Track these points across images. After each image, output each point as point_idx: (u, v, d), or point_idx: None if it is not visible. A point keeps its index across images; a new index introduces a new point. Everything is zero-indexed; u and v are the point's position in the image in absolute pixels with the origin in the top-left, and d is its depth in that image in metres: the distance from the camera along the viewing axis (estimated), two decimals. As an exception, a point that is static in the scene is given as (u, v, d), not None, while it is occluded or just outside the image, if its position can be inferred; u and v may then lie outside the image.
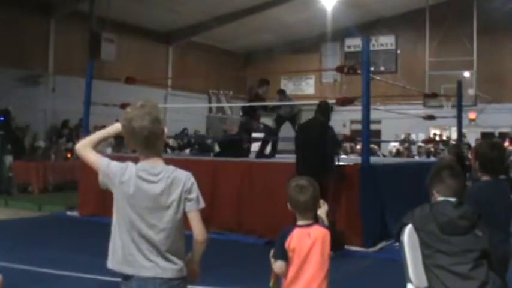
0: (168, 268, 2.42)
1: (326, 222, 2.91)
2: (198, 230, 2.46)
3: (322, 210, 2.91)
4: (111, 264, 2.49)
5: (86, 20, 16.72)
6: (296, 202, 2.86)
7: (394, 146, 18.19)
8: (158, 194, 2.41)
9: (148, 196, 2.41)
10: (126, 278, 2.46)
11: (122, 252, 2.44)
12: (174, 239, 2.44)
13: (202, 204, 2.47)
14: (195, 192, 2.46)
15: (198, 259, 2.55)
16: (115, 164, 2.48)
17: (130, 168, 2.46)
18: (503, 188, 3.39)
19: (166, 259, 2.42)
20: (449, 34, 20.34)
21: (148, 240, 2.41)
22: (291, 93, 22.34)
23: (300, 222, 2.86)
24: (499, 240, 3.08)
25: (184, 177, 2.46)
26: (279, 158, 9.76)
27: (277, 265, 2.80)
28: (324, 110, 7.01)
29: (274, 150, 10.34)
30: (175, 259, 2.44)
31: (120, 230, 2.44)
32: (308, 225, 2.84)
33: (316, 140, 6.74)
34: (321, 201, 2.93)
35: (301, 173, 6.47)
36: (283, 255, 2.79)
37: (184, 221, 2.51)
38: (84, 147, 2.51)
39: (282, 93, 10.36)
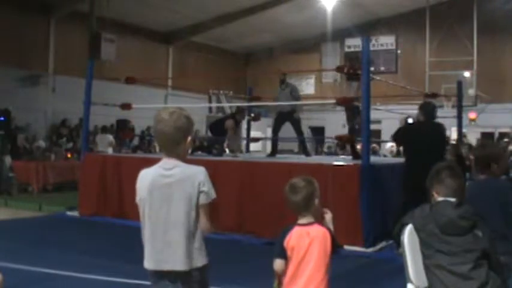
0: (185, 259, 2.53)
1: (332, 228, 2.89)
2: (205, 222, 2.58)
3: (328, 219, 2.89)
4: (146, 264, 2.65)
5: (86, 20, 16.73)
6: (288, 202, 2.88)
7: (393, 145, 18.16)
8: (171, 186, 2.55)
9: (162, 189, 2.55)
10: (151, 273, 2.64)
11: (148, 251, 2.62)
12: (188, 230, 2.54)
13: (213, 195, 2.59)
14: (207, 186, 2.57)
15: None
16: (138, 180, 2.67)
17: (149, 169, 2.65)
18: (488, 186, 3.37)
19: (182, 250, 2.53)
20: (449, 34, 20.34)
21: (163, 233, 2.55)
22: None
23: (300, 221, 2.86)
24: None
25: (197, 171, 2.58)
26: (280, 158, 9.76)
27: (277, 263, 2.80)
28: (430, 112, 6.84)
29: (275, 150, 10.30)
30: (189, 250, 2.54)
31: (144, 230, 2.63)
32: (308, 224, 2.84)
33: (439, 148, 6.63)
34: (325, 209, 2.92)
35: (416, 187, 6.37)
36: (282, 253, 2.79)
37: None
38: None
39: (282, 82, 9.90)
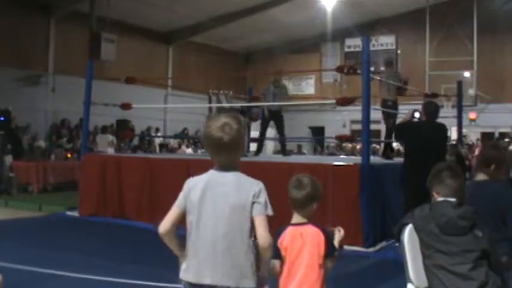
0: (231, 275, 2.35)
1: (336, 245, 2.88)
2: (262, 235, 2.36)
3: (337, 238, 2.87)
4: (184, 275, 2.47)
5: (86, 20, 16.71)
6: (289, 197, 2.86)
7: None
8: (225, 195, 2.40)
9: (215, 197, 2.41)
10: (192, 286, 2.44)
11: (189, 261, 2.43)
12: (239, 244, 2.37)
13: (270, 211, 2.42)
14: (263, 198, 2.41)
15: (264, 268, 2.46)
16: (187, 186, 2.50)
17: (201, 177, 2.50)
18: (484, 188, 3.34)
19: (229, 265, 2.36)
20: (449, 34, 20.34)
21: (211, 244, 2.37)
22: (290, 93, 22.52)
23: (293, 221, 2.85)
24: None
25: (253, 183, 2.44)
26: (279, 158, 9.75)
27: (271, 264, 2.80)
28: (433, 112, 6.79)
29: (260, 150, 10.43)
30: (237, 266, 2.36)
31: (190, 238, 2.44)
32: (301, 224, 2.82)
33: (440, 149, 6.62)
34: (339, 227, 2.90)
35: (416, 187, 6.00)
36: (277, 253, 2.78)
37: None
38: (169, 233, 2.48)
39: (278, 82, 10.22)
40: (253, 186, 2.42)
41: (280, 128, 10.12)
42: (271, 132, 10.99)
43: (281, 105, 9.99)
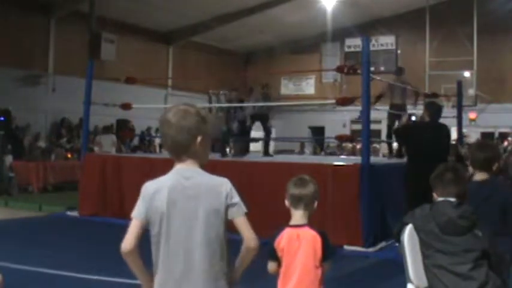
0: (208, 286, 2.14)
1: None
2: (249, 237, 2.17)
3: None
4: None
5: (86, 20, 16.71)
6: (293, 195, 2.86)
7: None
8: (195, 199, 2.14)
9: (185, 203, 2.14)
10: None
11: (161, 278, 2.16)
12: (216, 250, 2.15)
13: (245, 208, 2.21)
14: (236, 197, 2.19)
15: (244, 268, 2.27)
16: (147, 193, 2.18)
17: (161, 180, 2.21)
18: (473, 189, 3.31)
19: (206, 276, 2.13)
20: (449, 34, 20.33)
21: (185, 256, 2.13)
22: (290, 93, 22.56)
23: (292, 222, 2.86)
24: None
25: (222, 181, 2.20)
26: (279, 158, 9.76)
27: (269, 265, 2.82)
28: (435, 112, 6.78)
29: (247, 150, 10.68)
30: (215, 276, 2.16)
31: (158, 255, 2.16)
32: (299, 226, 2.83)
33: (442, 149, 6.58)
34: None
35: (417, 187, 5.82)
36: (274, 255, 2.79)
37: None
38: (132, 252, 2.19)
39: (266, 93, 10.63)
40: (224, 186, 2.18)
41: (265, 129, 10.42)
42: (274, 132, 11.23)
43: (268, 108, 10.33)
